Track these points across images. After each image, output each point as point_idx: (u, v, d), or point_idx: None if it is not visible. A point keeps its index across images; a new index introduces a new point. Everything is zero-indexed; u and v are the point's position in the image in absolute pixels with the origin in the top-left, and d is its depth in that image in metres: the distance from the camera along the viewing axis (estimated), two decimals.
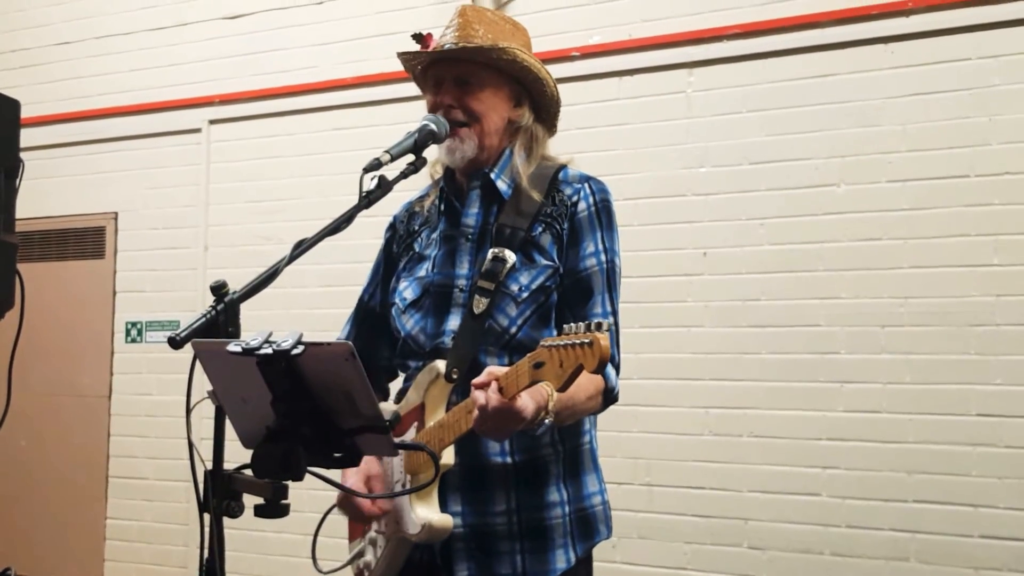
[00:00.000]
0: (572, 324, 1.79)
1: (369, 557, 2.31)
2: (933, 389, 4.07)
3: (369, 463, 2.28)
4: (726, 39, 4.54)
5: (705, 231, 4.50)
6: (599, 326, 1.74)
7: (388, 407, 2.33)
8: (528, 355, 1.86)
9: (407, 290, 2.34)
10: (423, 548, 2.21)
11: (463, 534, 2.17)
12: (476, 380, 1.94)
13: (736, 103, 4.50)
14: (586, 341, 1.74)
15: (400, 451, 2.33)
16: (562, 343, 1.78)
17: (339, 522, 2.41)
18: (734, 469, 4.37)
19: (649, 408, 4.40)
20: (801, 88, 4.39)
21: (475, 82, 2.26)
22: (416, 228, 2.43)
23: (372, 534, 2.31)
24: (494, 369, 1.94)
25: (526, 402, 1.90)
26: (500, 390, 1.89)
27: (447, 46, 2.25)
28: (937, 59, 4.18)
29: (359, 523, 2.35)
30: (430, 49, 2.29)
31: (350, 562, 2.37)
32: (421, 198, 2.48)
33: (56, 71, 6.26)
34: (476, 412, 1.91)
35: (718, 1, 4.56)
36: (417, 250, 2.39)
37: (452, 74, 2.28)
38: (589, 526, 2.29)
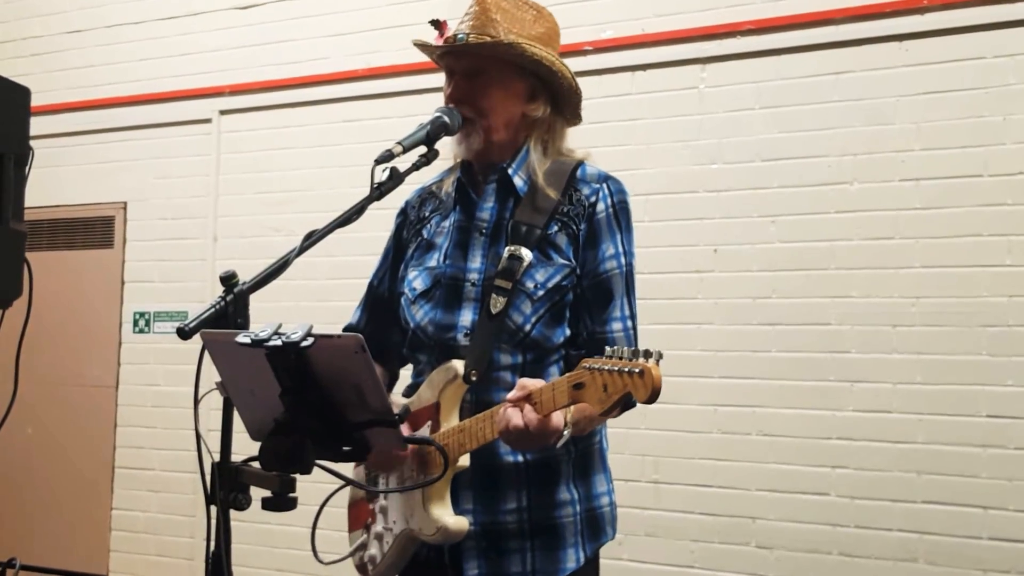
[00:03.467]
0: (617, 347, 1.75)
1: (374, 551, 2.29)
2: (944, 389, 4.05)
3: None
4: (739, 35, 4.52)
5: (716, 228, 4.48)
6: (648, 354, 1.70)
7: (398, 400, 2.32)
8: (567, 375, 1.84)
9: (417, 280, 2.32)
10: (431, 546, 2.19)
11: (473, 532, 2.15)
12: (511, 396, 1.93)
13: (749, 99, 4.48)
14: (636, 370, 1.69)
15: (409, 446, 2.34)
16: (607, 368, 1.73)
17: (339, 514, 2.40)
18: (742, 467, 4.36)
19: (657, 405, 4.32)
20: (814, 85, 4.37)
21: (483, 77, 2.23)
22: (427, 214, 2.41)
23: (378, 528, 2.29)
24: (527, 382, 1.93)
25: (558, 420, 1.90)
26: (534, 405, 1.88)
27: (460, 36, 2.22)
28: (952, 57, 4.16)
29: (386, 468, 2.31)
30: (445, 37, 2.27)
31: (352, 554, 2.35)
32: (437, 182, 2.44)
33: (66, 60, 6.27)
34: (510, 428, 1.90)
35: None
36: (426, 236, 2.36)
37: (461, 67, 2.25)
38: (598, 526, 2.28)
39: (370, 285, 2.53)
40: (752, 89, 4.48)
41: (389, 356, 2.46)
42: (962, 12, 4.15)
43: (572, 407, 1.92)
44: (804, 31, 4.40)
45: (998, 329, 3.99)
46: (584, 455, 2.27)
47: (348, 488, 2.41)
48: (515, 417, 1.88)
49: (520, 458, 2.17)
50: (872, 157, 4.23)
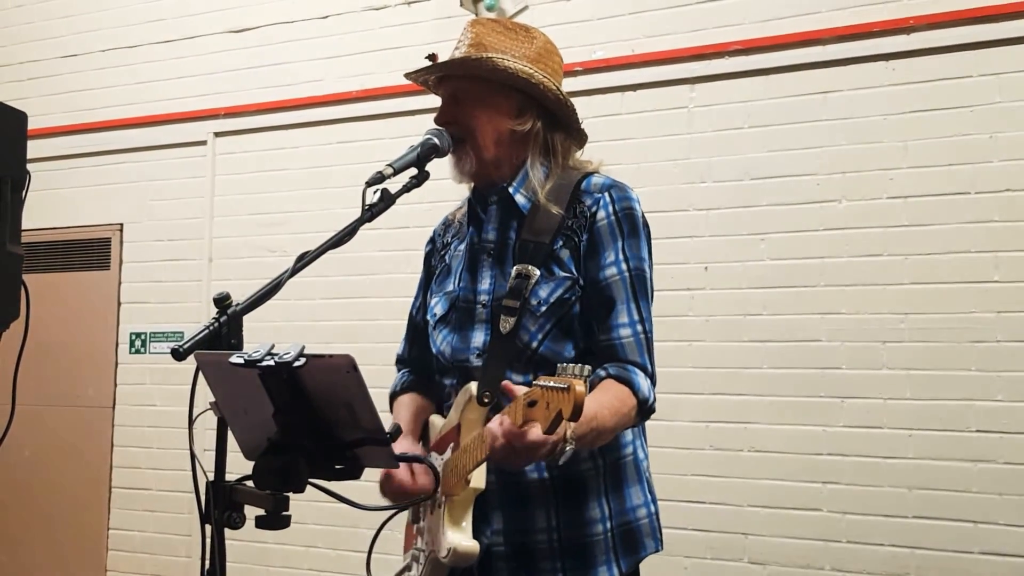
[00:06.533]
0: (565, 364, 1.70)
1: (414, 572, 2.28)
2: (933, 405, 4.08)
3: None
4: (728, 55, 4.56)
5: (706, 246, 4.51)
6: (582, 370, 1.67)
7: (437, 421, 2.33)
8: (525, 392, 1.78)
9: (437, 305, 2.33)
10: (465, 567, 2.16)
11: (505, 552, 2.14)
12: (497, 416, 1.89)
13: (738, 119, 4.52)
14: (562, 386, 1.65)
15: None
16: (550, 384, 1.69)
17: (392, 538, 2.39)
18: (734, 483, 4.38)
19: (649, 422, 4.36)
20: (803, 104, 4.41)
21: (463, 97, 2.24)
22: (449, 240, 2.42)
23: (416, 550, 2.28)
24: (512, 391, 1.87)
25: (534, 435, 1.80)
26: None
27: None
28: (938, 76, 4.20)
29: (400, 499, 2.26)
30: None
31: (399, 574, 2.33)
32: (457, 209, 2.45)
33: (63, 83, 6.29)
34: (496, 446, 1.85)
35: (720, 17, 4.59)
36: (448, 261, 2.38)
37: (446, 91, 2.28)
38: (634, 540, 2.23)
39: (410, 315, 2.53)
40: (741, 108, 4.52)
41: (434, 388, 2.44)
42: (948, 31, 4.19)
43: (571, 425, 1.83)
44: (792, 51, 4.45)
45: (987, 345, 4.02)
46: (614, 468, 2.23)
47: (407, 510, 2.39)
48: (496, 431, 1.85)
49: (546, 474, 2.14)
50: (860, 175, 4.27)
